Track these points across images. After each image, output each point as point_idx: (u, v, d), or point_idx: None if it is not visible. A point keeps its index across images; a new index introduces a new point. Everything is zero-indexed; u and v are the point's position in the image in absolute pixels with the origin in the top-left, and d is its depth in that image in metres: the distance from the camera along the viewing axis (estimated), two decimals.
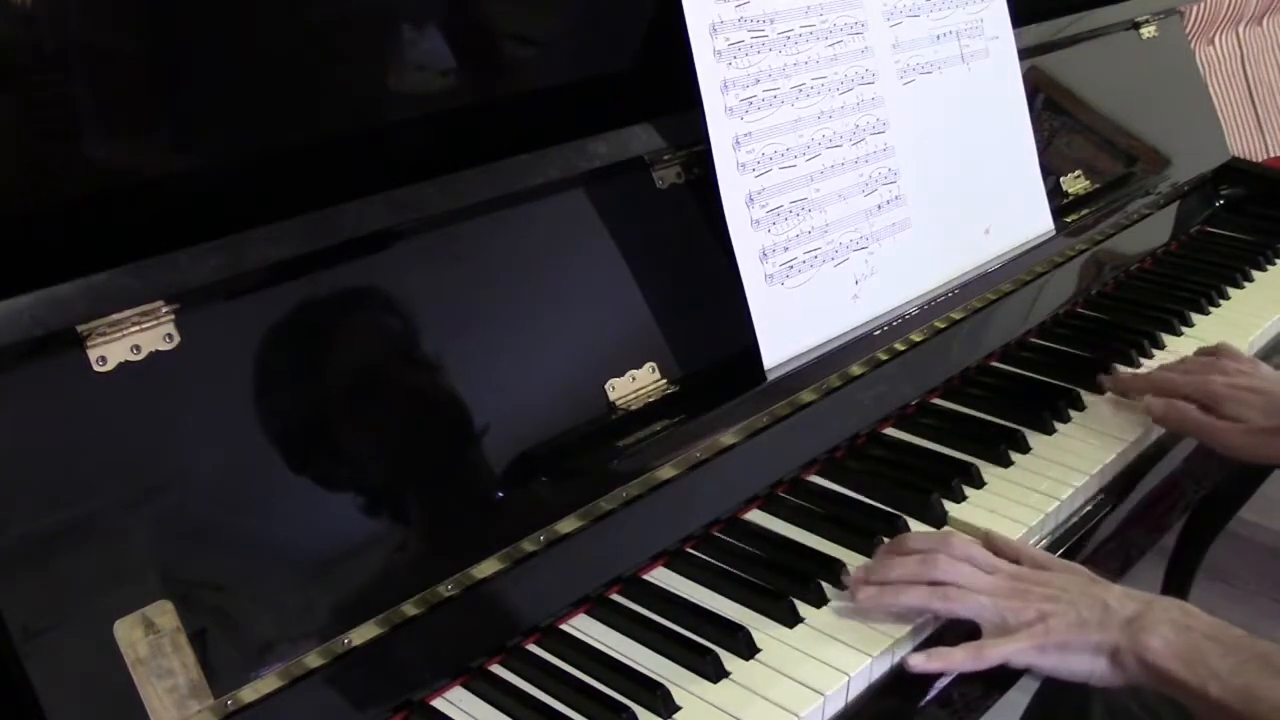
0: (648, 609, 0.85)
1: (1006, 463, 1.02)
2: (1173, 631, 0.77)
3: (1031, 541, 0.95)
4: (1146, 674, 0.78)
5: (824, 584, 0.86)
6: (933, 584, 0.83)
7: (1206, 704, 0.75)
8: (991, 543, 0.90)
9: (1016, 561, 0.88)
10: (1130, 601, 0.81)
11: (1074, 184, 1.36)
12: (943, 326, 1.14)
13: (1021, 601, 0.81)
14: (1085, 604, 0.80)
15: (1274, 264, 1.45)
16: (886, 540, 0.90)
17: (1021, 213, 1.22)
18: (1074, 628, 0.79)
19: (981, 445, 1.04)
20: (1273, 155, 2.47)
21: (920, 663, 0.80)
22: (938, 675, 0.82)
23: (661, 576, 0.89)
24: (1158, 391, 1.08)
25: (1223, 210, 1.60)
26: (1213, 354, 1.12)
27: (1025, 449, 1.04)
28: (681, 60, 0.91)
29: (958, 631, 0.83)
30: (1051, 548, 0.96)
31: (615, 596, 0.87)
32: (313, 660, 0.72)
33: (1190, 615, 0.79)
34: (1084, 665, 0.80)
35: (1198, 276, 1.39)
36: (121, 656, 0.65)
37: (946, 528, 0.94)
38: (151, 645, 0.66)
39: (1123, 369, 1.16)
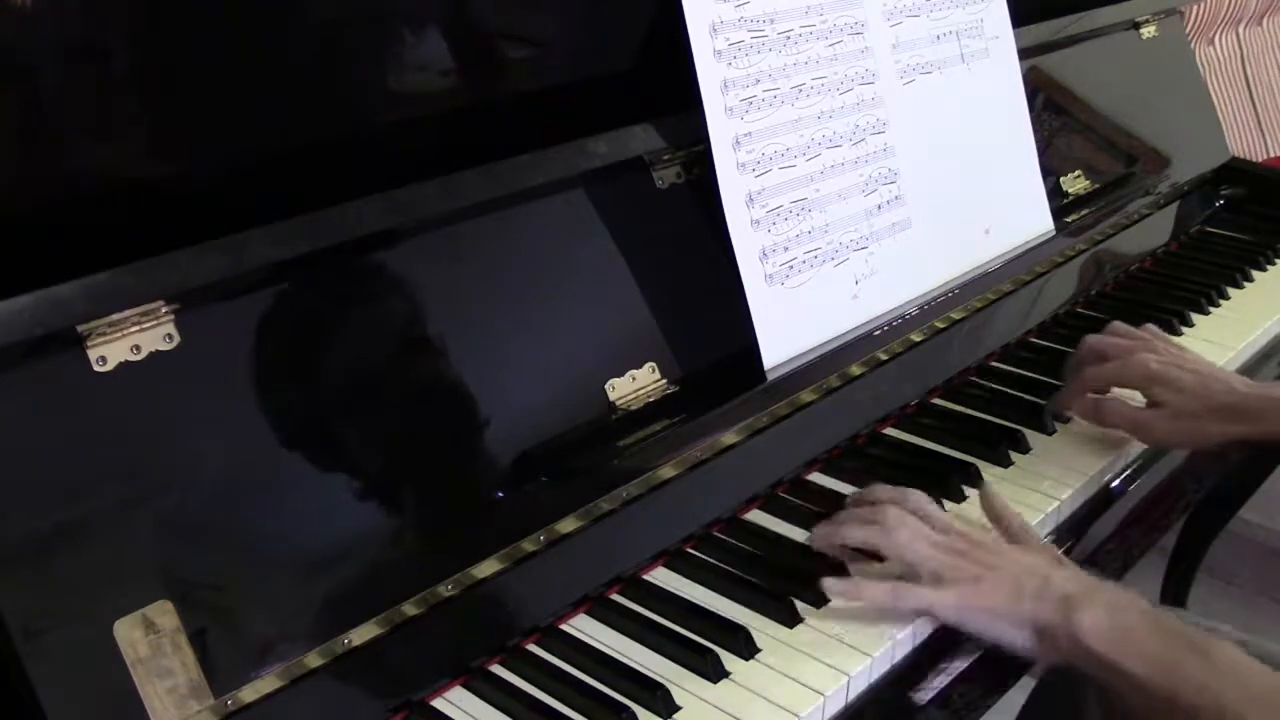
0: (648, 609, 0.85)
1: (1006, 463, 1.02)
2: (1106, 612, 0.77)
3: None
4: (1077, 652, 0.77)
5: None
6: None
7: (1132, 684, 0.75)
8: (986, 501, 0.92)
9: (997, 524, 0.90)
10: (1073, 582, 0.80)
11: (1074, 184, 1.36)
12: (943, 326, 1.14)
13: (963, 561, 0.82)
14: (1027, 574, 0.81)
15: (1274, 264, 1.45)
16: None
17: (1021, 213, 1.22)
18: (1007, 596, 0.79)
19: (981, 445, 1.03)
20: (1273, 155, 2.47)
21: (838, 590, 0.83)
22: (936, 675, 0.82)
23: (661, 576, 0.89)
24: (1090, 388, 1.05)
25: (1223, 210, 1.60)
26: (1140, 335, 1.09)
27: (1025, 449, 1.04)
28: (681, 60, 0.91)
29: (963, 636, 0.83)
30: None
31: (615, 596, 0.87)
32: (313, 660, 0.72)
33: (1129, 599, 0.79)
34: (1013, 636, 0.80)
35: (1198, 276, 1.39)
36: (121, 656, 0.65)
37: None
38: (151, 645, 0.66)
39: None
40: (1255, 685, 0.72)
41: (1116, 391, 1.06)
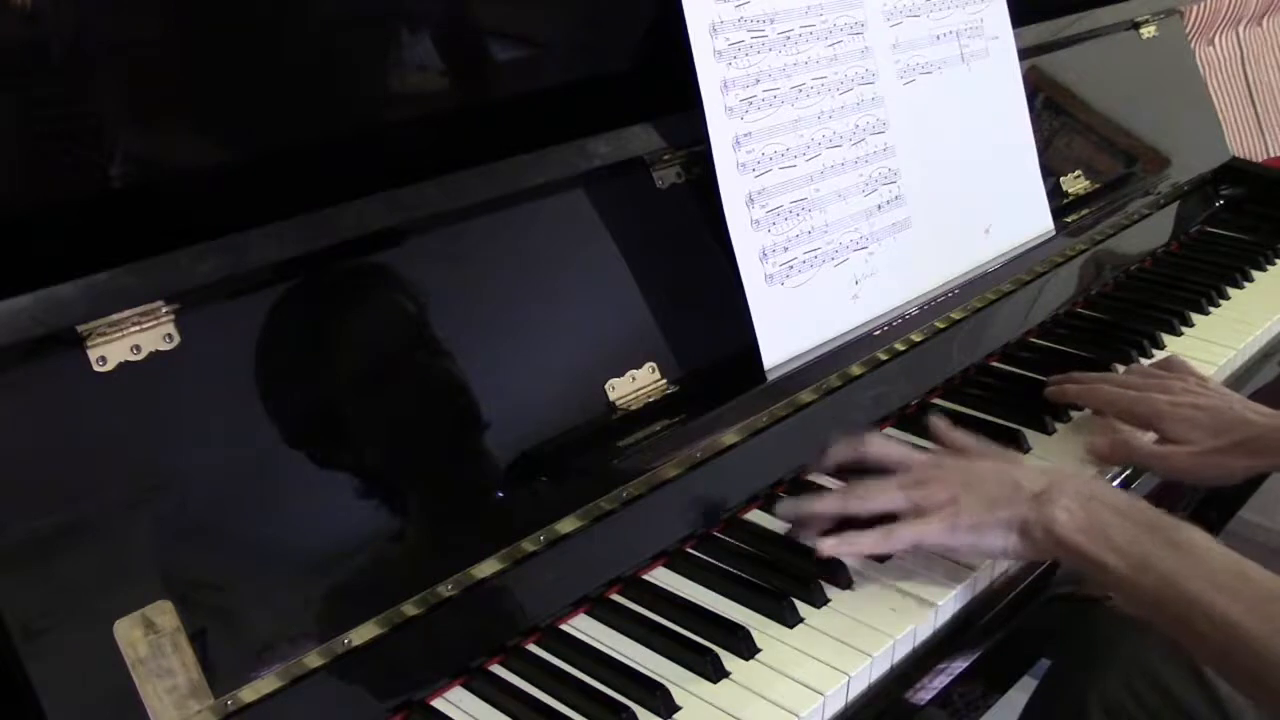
0: (648, 609, 0.85)
1: None
2: (1078, 504, 0.80)
3: None
4: (1052, 545, 0.81)
5: (824, 584, 0.86)
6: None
7: (1105, 574, 0.78)
8: (933, 428, 0.96)
9: (952, 446, 0.93)
10: (1041, 477, 0.84)
11: (1074, 184, 1.36)
12: (943, 326, 1.14)
13: (935, 487, 0.85)
14: (996, 483, 0.84)
15: (1274, 264, 1.45)
16: None
17: (1021, 213, 1.22)
18: (985, 507, 0.83)
19: None
20: (1273, 155, 2.46)
21: (831, 546, 0.85)
22: (936, 675, 0.82)
23: (661, 576, 0.89)
24: (1099, 405, 1.06)
25: (1223, 210, 1.60)
26: (1164, 369, 1.09)
27: (1025, 449, 1.04)
28: (681, 60, 0.91)
29: (954, 627, 0.83)
30: None
31: (615, 596, 0.87)
32: (313, 660, 0.72)
33: (1097, 489, 0.83)
34: (997, 542, 0.83)
35: (1198, 276, 1.39)
36: (121, 656, 0.65)
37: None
38: (151, 645, 0.66)
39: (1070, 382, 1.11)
40: (1213, 564, 0.75)
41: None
